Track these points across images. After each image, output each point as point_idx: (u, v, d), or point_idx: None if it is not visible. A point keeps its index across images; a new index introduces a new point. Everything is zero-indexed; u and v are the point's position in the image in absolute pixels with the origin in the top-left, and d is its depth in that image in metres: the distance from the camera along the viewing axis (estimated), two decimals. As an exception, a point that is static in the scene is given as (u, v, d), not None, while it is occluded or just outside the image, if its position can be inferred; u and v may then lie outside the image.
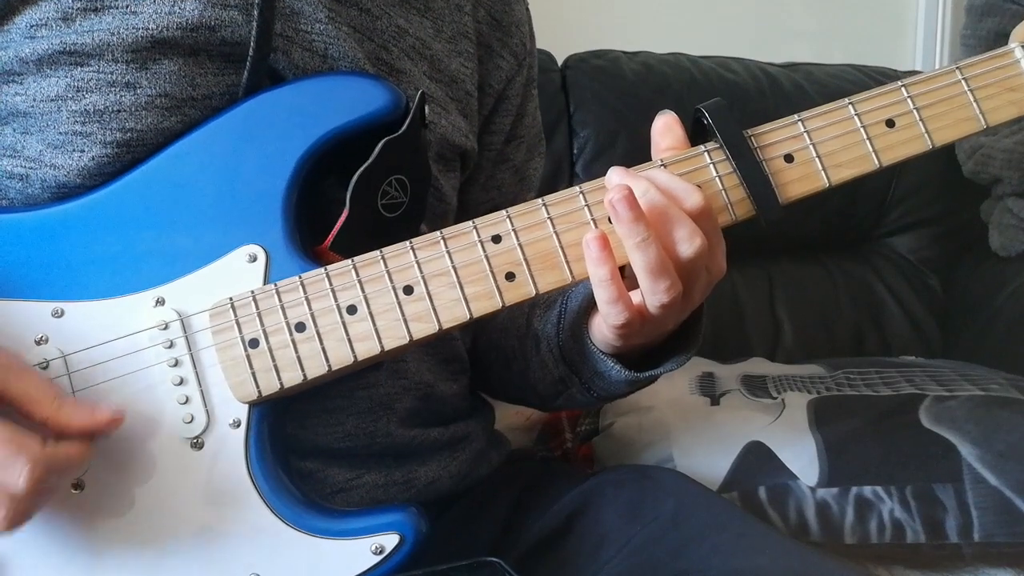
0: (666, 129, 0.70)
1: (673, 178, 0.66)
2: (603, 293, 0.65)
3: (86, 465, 0.63)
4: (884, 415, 1.17)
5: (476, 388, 0.92)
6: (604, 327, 0.69)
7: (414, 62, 0.79)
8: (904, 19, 2.08)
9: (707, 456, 1.12)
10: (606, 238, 0.64)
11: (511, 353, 0.88)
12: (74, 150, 0.68)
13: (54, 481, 0.59)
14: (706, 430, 1.16)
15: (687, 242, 0.64)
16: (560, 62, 1.63)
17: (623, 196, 0.62)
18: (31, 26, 0.68)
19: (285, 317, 0.66)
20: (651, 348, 0.74)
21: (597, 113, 1.57)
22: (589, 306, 0.74)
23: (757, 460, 1.10)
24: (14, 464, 0.56)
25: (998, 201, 1.63)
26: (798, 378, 1.29)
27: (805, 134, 0.70)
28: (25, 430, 0.58)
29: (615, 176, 0.66)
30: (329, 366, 0.65)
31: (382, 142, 0.67)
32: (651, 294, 0.64)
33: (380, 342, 0.66)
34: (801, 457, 1.09)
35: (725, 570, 0.73)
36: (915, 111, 0.71)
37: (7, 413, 0.59)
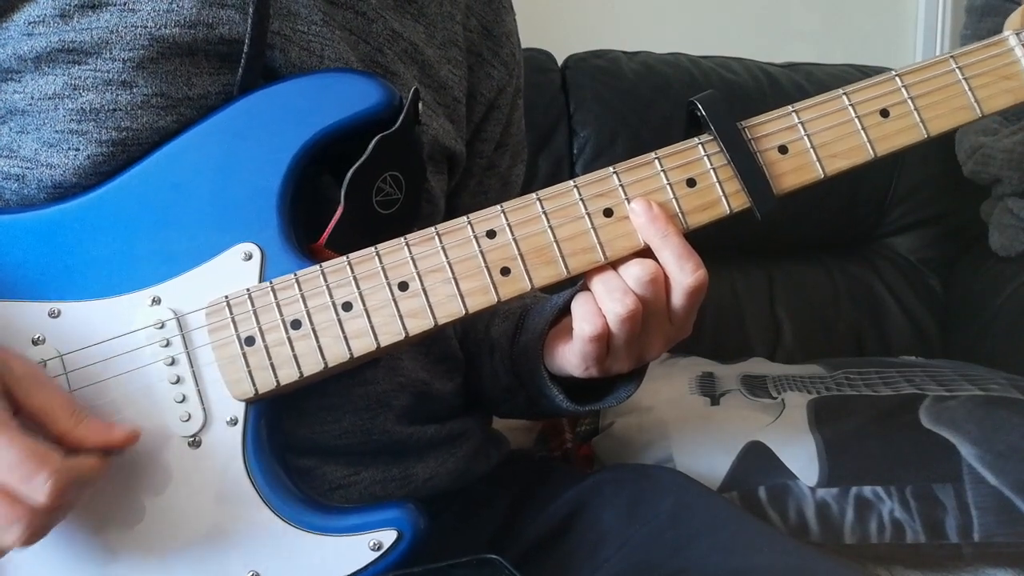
0: None
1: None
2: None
3: (100, 479, 0.61)
4: (884, 415, 1.16)
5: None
6: (571, 356, 0.71)
7: (406, 66, 0.79)
8: (904, 19, 2.07)
9: (707, 456, 1.12)
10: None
11: (468, 357, 0.89)
12: (69, 148, 0.68)
13: (73, 494, 0.58)
14: (706, 430, 1.16)
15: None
16: (560, 62, 1.63)
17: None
18: (29, 23, 0.68)
19: (281, 315, 0.66)
20: (597, 382, 0.76)
21: (597, 113, 1.57)
22: (549, 329, 0.75)
23: (757, 460, 1.10)
24: (36, 476, 0.55)
25: (998, 201, 1.63)
26: (798, 378, 1.29)
27: (799, 125, 0.70)
28: (46, 443, 0.57)
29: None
30: (325, 363, 0.65)
31: (376, 138, 0.67)
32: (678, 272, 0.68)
33: (376, 339, 0.66)
34: (801, 457, 1.09)
35: (724, 568, 0.72)
36: (909, 100, 0.71)
37: (24, 424, 0.58)
